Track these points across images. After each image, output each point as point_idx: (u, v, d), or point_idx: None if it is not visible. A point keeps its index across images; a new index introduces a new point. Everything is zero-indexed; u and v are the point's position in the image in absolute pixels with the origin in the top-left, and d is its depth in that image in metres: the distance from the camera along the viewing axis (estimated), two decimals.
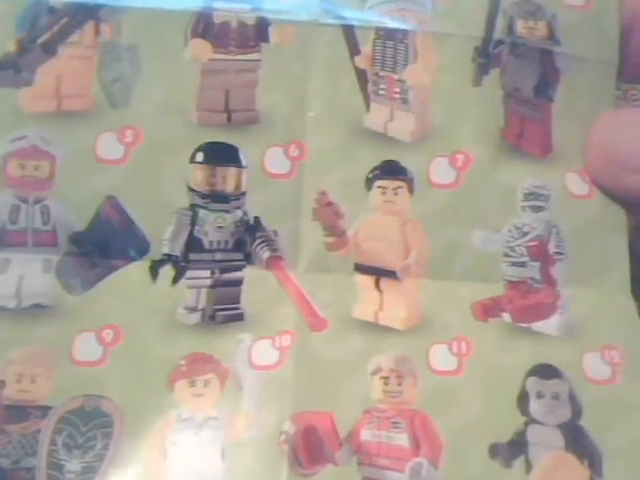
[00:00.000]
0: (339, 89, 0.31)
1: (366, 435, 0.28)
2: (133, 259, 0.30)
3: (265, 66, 0.31)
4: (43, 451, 0.27)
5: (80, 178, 0.30)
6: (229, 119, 0.31)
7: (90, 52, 0.31)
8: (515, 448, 0.28)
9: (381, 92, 0.32)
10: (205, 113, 0.31)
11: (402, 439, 0.28)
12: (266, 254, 0.31)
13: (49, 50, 0.30)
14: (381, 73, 0.32)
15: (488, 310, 0.31)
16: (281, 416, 0.28)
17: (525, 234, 0.32)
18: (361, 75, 0.32)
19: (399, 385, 0.29)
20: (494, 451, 0.28)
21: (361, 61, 0.32)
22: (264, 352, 0.29)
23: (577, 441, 0.28)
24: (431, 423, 0.28)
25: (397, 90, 0.32)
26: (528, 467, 0.28)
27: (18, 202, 0.29)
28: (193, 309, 0.30)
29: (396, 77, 0.32)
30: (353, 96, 0.31)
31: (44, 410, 0.27)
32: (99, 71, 0.30)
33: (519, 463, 0.28)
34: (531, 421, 0.29)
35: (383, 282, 0.31)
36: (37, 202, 0.29)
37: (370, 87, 0.32)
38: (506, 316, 0.31)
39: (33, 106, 0.30)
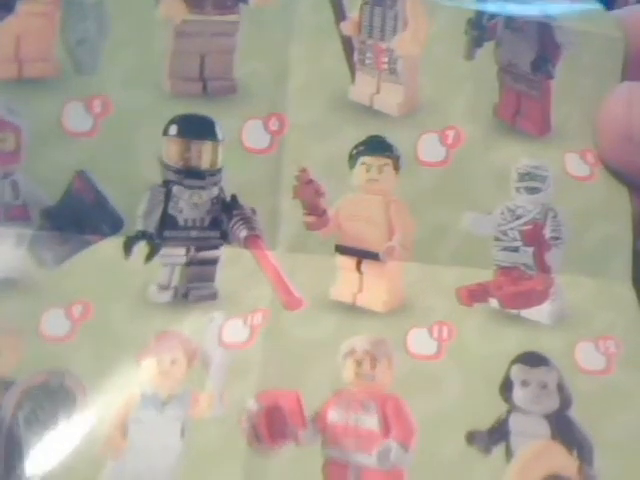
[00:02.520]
0: (323, 57, 0.30)
1: (333, 416, 0.27)
2: (106, 235, 0.29)
3: (244, 30, 0.30)
4: (3, 426, 0.26)
5: (48, 152, 0.29)
6: (204, 88, 0.30)
7: (51, 9, 0.29)
8: (495, 435, 0.26)
9: (367, 62, 0.30)
10: (179, 81, 0.29)
11: (371, 422, 0.27)
12: (243, 233, 0.30)
13: (5, 6, 0.29)
14: (368, 41, 0.30)
15: (474, 295, 0.29)
16: (245, 394, 0.27)
17: (519, 217, 0.30)
18: (347, 43, 0.30)
19: (372, 368, 0.27)
20: (471, 438, 0.26)
21: (347, 27, 0.30)
22: (235, 330, 0.28)
23: (565, 431, 0.27)
24: (404, 407, 0.27)
25: (385, 60, 0.30)
26: (509, 455, 0.26)
27: None
28: (165, 287, 0.29)
29: (384, 46, 0.30)
30: (338, 65, 0.30)
31: (6, 384, 0.27)
32: (62, 32, 0.29)
33: (499, 450, 0.26)
34: (514, 409, 0.27)
35: (364, 264, 0.30)
36: (5, 177, 0.29)
37: (356, 56, 0.30)
38: (493, 302, 0.29)
39: None
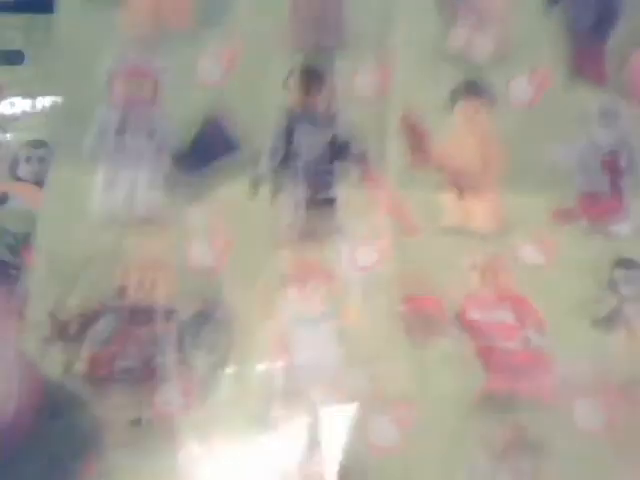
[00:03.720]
0: (423, 11, 0.33)
1: (474, 314, 0.30)
2: (234, 176, 0.31)
3: None
4: (171, 351, 0.28)
5: (182, 98, 0.31)
6: (319, 42, 0.33)
7: None
8: (614, 320, 0.31)
9: (460, 13, 0.34)
10: (299, 35, 0.32)
11: (507, 317, 0.30)
12: (358, 172, 0.33)
13: None
14: None
15: (565, 215, 0.33)
16: (391, 302, 0.30)
17: (599, 148, 0.34)
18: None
19: (495, 277, 0.31)
20: (596, 322, 0.30)
21: None
22: (365, 255, 0.31)
23: None
24: (532, 303, 0.30)
25: (476, 10, 0.34)
26: (630, 334, 0.30)
27: (124, 117, 0.31)
28: (293, 224, 0.31)
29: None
30: (435, 17, 0.33)
31: (167, 314, 0.29)
32: None
33: (619, 331, 0.30)
34: (625, 300, 0.31)
35: (466, 195, 0.33)
36: (143, 118, 0.31)
37: (450, 8, 0.34)
38: (582, 221, 0.33)
39: (133, 26, 0.31)
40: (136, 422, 0.27)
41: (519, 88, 0.34)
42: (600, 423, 0.28)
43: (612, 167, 0.34)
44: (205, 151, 0.31)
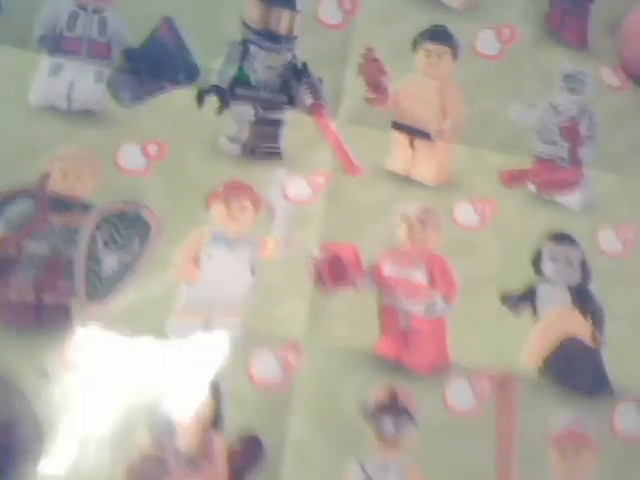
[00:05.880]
0: None
1: (388, 270, 0.29)
2: (182, 84, 0.31)
3: None
4: (83, 244, 0.28)
5: None
6: None
7: None
8: (524, 299, 0.30)
9: None
10: None
11: (421, 277, 0.29)
12: (309, 100, 0.32)
13: None
14: None
15: (515, 178, 0.32)
16: (309, 243, 0.29)
17: (560, 114, 0.33)
18: None
19: (423, 232, 0.30)
20: (505, 299, 0.30)
21: None
22: (298, 187, 0.30)
23: (583, 301, 0.30)
24: (449, 267, 0.30)
25: None
26: (535, 317, 0.30)
27: (77, 9, 0.30)
28: (235, 140, 0.31)
29: None
30: None
31: (86, 208, 0.28)
32: None
33: (527, 312, 0.30)
34: (543, 279, 0.30)
35: (417, 141, 0.32)
36: (96, 12, 0.30)
37: None
38: (531, 187, 0.32)
39: None
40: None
41: (486, 40, 0.33)
42: (470, 406, 0.28)
43: (572, 135, 0.33)
44: (156, 54, 0.30)
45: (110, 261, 0.28)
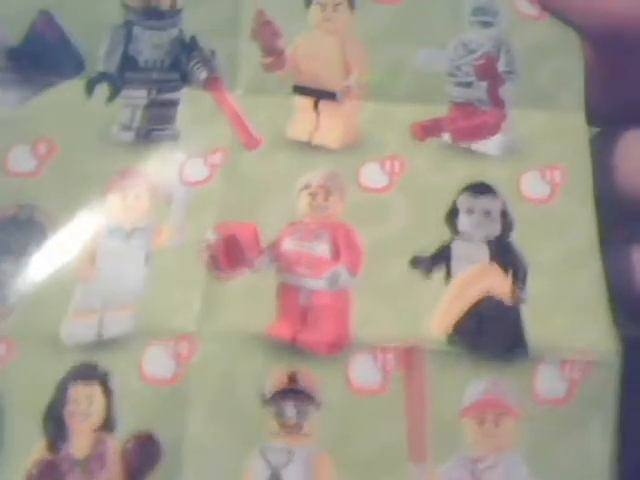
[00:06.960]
0: None
1: (288, 245, 0.28)
2: (68, 76, 0.30)
3: None
4: None
5: None
6: None
7: None
8: (437, 260, 0.28)
9: None
10: None
11: (323, 249, 0.28)
12: (203, 74, 0.30)
13: None
14: None
15: (427, 130, 0.30)
16: (205, 226, 0.28)
17: (472, 51, 0.30)
18: None
19: (326, 200, 0.29)
20: (415, 262, 0.28)
21: None
22: (195, 169, 0.29)
23: (503, 255, 0.28)
24: (354, 235, 0.28)
25: None
26: (448, 278, 0.28)
27: None
28: (127, 127, 0.30)
29: None
30: None
31: None
32: None
33: (439, 274, 0.28)
34: (458, 236, 0.28)
35: (322, 103, 0.30)
36: None
37: None
38: (446, 137, 0.30)
39: None
40: None
41: None
42: (375, 383, 0.26)
43: (488, 72, 0.30)
44: (38, 49, 0.30)
45: (6, 266, 0.28)
